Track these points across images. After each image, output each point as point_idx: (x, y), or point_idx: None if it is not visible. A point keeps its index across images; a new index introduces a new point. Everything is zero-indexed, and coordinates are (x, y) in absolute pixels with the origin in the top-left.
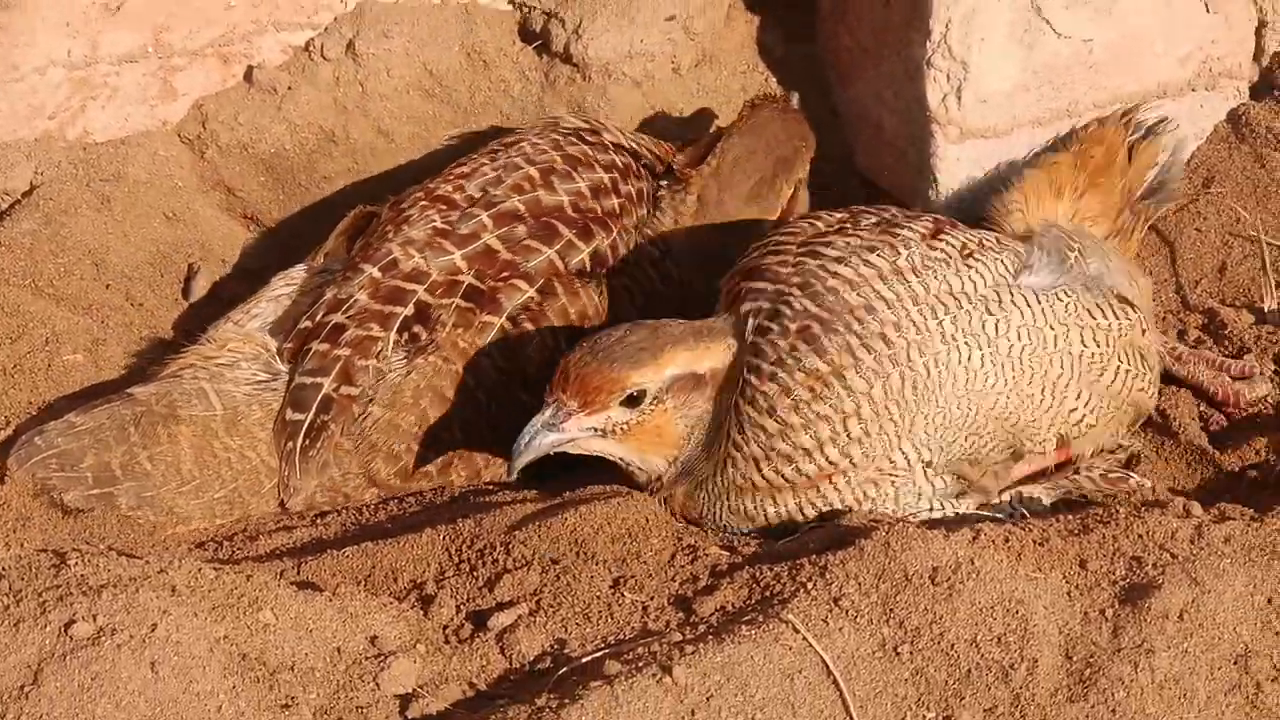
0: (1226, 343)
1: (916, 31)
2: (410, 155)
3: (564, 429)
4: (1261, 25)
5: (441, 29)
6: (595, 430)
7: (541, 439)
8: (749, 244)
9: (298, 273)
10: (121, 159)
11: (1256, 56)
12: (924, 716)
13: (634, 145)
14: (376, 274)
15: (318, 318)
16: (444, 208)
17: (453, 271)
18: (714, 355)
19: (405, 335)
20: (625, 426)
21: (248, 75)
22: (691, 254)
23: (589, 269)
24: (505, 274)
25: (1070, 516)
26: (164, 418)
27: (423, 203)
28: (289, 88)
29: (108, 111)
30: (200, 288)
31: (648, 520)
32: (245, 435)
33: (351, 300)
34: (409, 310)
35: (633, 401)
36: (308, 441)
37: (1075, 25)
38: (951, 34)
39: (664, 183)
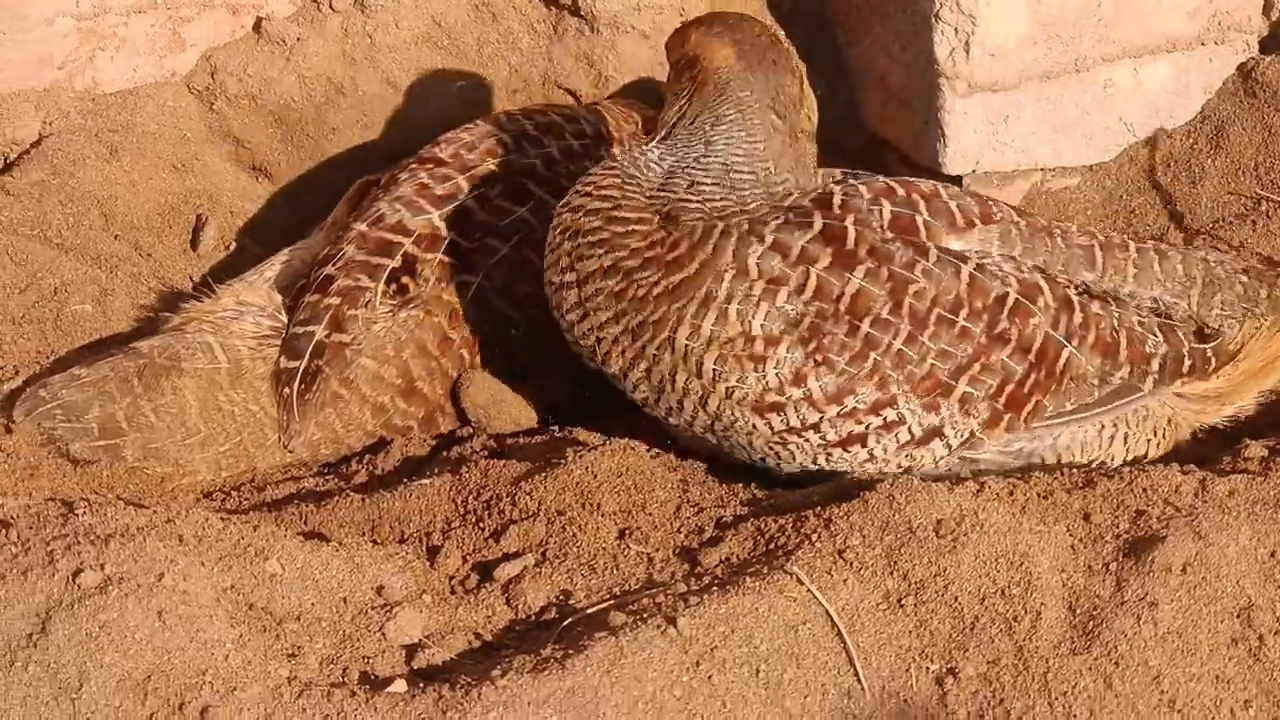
0: None
1: None
2: (418, 107)
3: None
4: None
5: None
6: None
7: None
8: None
9: (308, 240)
10: (130, 109)
11: (1266, 10)
12: (927, 668)
13: (605, 130)
14: (364, 228)
15: (313, 272)
16: (431, 166)
17: (432, 228)
18: None
19: (394, 287)
20: None
21: (257, 26)
22: None
23: None
24: (478, 233)
25: (1075, 470)
26: (166, 370)
27: (413, 165)
28: (298, 39)
29: (116, 62)
30: (208, 238)
31: (653, 472)
32: (249, 388)
33: (340, 253)
34: (396, 262)
35: None
36: (303, 386)
37: None
38: None
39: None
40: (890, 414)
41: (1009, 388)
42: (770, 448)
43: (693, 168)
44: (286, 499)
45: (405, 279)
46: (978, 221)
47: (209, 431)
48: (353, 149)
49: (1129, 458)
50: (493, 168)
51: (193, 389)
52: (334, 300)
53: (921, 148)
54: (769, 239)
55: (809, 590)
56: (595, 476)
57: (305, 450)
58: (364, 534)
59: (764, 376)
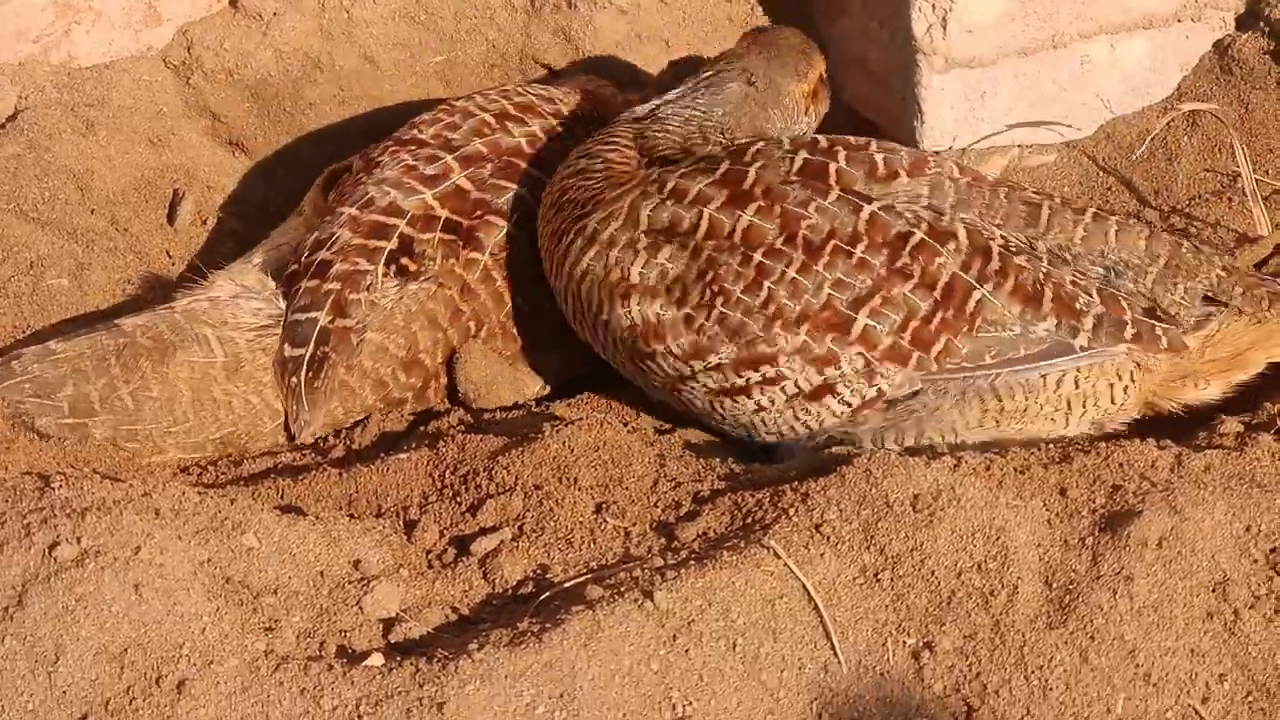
0: None
1: None
2: (395, 82)
3: None
4: None
5: None
6: None
7: None
8: None
9: (286, 225)
10: (106, 84)
11: None
12: (904, 642)
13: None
14: (355, 211)
15: (303, 258)
16: (414, 148)
17: (426, 209)
18: None
19: (393, 268)
20: None
21: (233, 1)
22: None
23: None
24: (478, 212)
25: (1051, 445)
26: (148, 351)
27: (392, 149)
28: (275, 14)
29: (92, 36)
30: (185, 213)
31: (630, 447)
32: (249, 380)
33: (334, 237)
34: (393, 244)
35: None
36: (311, 374)
37: None
38: None
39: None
40: (788, 355)
41: (913, 324)
42: (675, 394)
43: (668, 109)
44: (263, 473)
45: (404, 260)
46: (903, 173)
47: (197, 421)
48: (330, 124)
49: (1072, 425)
50: (480, 148)
51: (185, 379)
52: (334, 285)
53: (900, 125)
54: (670, 185)
55: (786, 564)
56: (572, 451)
57: (311, 439)
58: (341, 508)
59: (630, 313)
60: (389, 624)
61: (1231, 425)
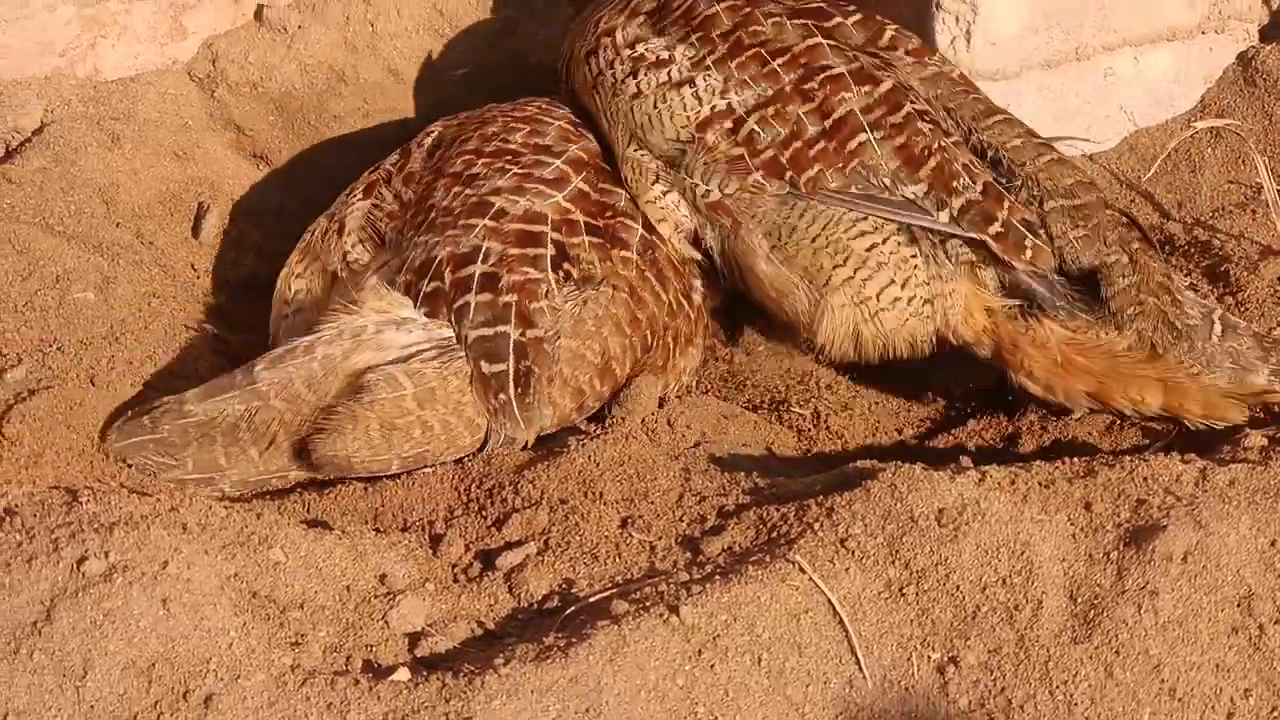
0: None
1: None
2: (420, 94)
3: None
4: None
5: None
6: None
7: None
8: None
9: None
10: (131, 97)
11: None
12: (929, 657)
13: None
14: (491, 223)
15: (448, 277)
16: (511, 156)
17: (563, 211)
18: None
19: (560, 273)
20: None
21: (258, 14)
22: None
23: None
24: (609, 213)
25: (1076, 460)
26: (280, 414)
27: (482, 160)
28: (299, 26)
29: (118, 49)
30: (210, 226)
31: (655, 461)
32: (446, 403)
33: (481, 249)
34: (551, 250)
35: None
36: (519, 390)
37: None
38: None
39: None
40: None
41: (796, 144)
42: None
43: None
44: (289, 488)
45: (566, 265)
46: (899, 49)
47: (385, 445)
48: (354, 136)
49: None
50: (579, 153)
51: (373, 419)
52: (510, 298)
53: None
54: None
55: (811, 579)
56: (598, 465)
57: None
58: (367, 522)
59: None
60: (415, 638)
61: (1256, 439)
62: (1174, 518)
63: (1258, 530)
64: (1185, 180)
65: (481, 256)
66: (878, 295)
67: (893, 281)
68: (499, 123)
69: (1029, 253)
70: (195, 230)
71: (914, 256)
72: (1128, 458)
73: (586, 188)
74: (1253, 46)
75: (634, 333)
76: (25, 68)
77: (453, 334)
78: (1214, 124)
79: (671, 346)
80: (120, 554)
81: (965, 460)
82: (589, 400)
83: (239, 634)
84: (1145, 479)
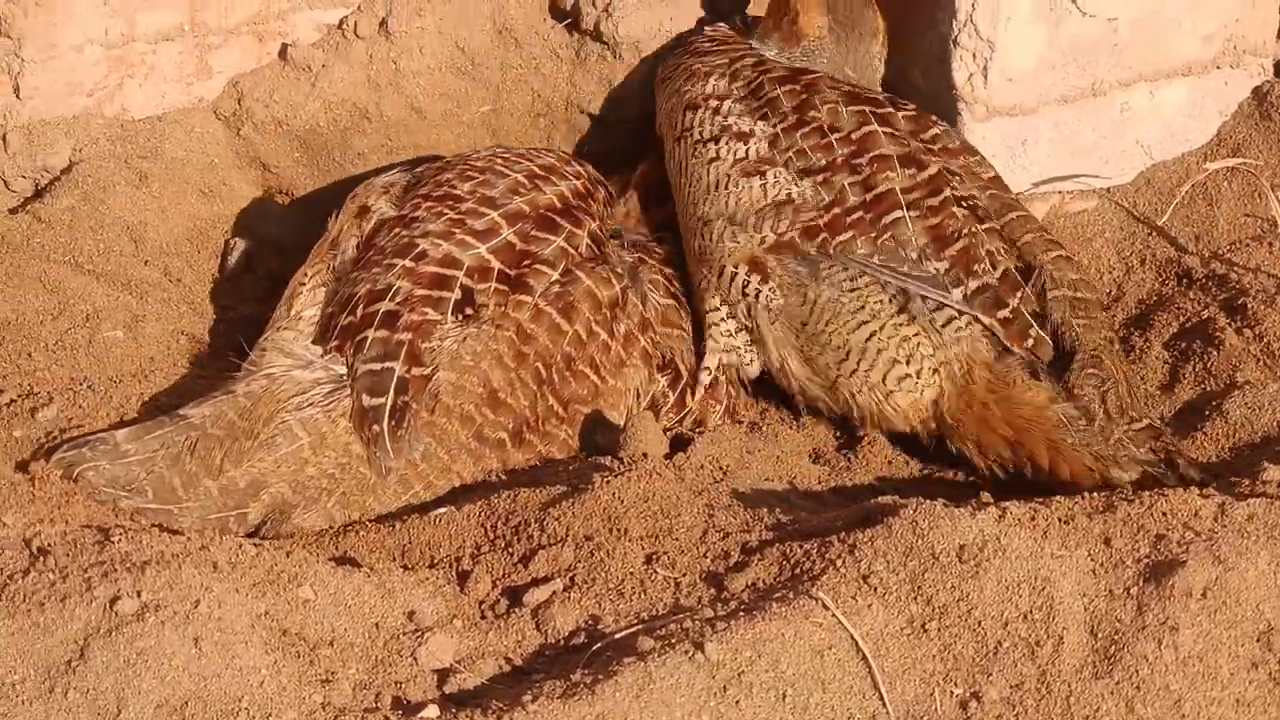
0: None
1: (943, 10)
2: (442, 132)
3: None
4: None
5: (473, 7)
6: None
7: None
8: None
9: (311, 268)
10: (158, 136)
11: None
12: (951, 692)
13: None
14: (409, 264)
15: (360, 311)
16: (452, 202)
17: (483, 261)
18: None
19: (460, 317)
20: None
21: (282, 53)
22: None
23: (594, 252)
24: (528, 262)
25: (1095, 495)
26: (220, 442)
27: (426, 204)
28: (323, 65)
29: (145, 89)
30: (236, 263)
31: (679, 498)
32: (336, 447)
33: (394, 288)
34: (456, 294)
35: None
36: (394, 422)
37: (1100, 4)
38: (978, 12)
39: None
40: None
41: (835, 210)
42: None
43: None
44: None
45: (468, 309)
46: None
47: (304, 499)
48: (378, 173)
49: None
50: (521, 205)
51: (274, 469)
52: (405, 335)
53: None
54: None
55: (834, 615)
56: (622, 502)
57: (420, 484)
58: (395, 559)
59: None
60: (444, 675)
61: (1274, 473)
62: (1193, 553)
63: (1277, 565)
64: (1202, 214)
65: (391, 294)
66: (884, 379)
67: (896, 361)
68: (455, 170)
69: (1031, 341)
70: (222, 267)
71: (916, 334)
72: (1146, 493)
73: (515, 239)
74: (1267, 81)
75: (519, 365)
76: (54, 108)
77: (345, 369)
78: (1226, 164)
79: (592, 374)
80: (152, 593)
81: (985, 495)
82: (486, 429)
83: (270, 672)
84: (1164, 514)
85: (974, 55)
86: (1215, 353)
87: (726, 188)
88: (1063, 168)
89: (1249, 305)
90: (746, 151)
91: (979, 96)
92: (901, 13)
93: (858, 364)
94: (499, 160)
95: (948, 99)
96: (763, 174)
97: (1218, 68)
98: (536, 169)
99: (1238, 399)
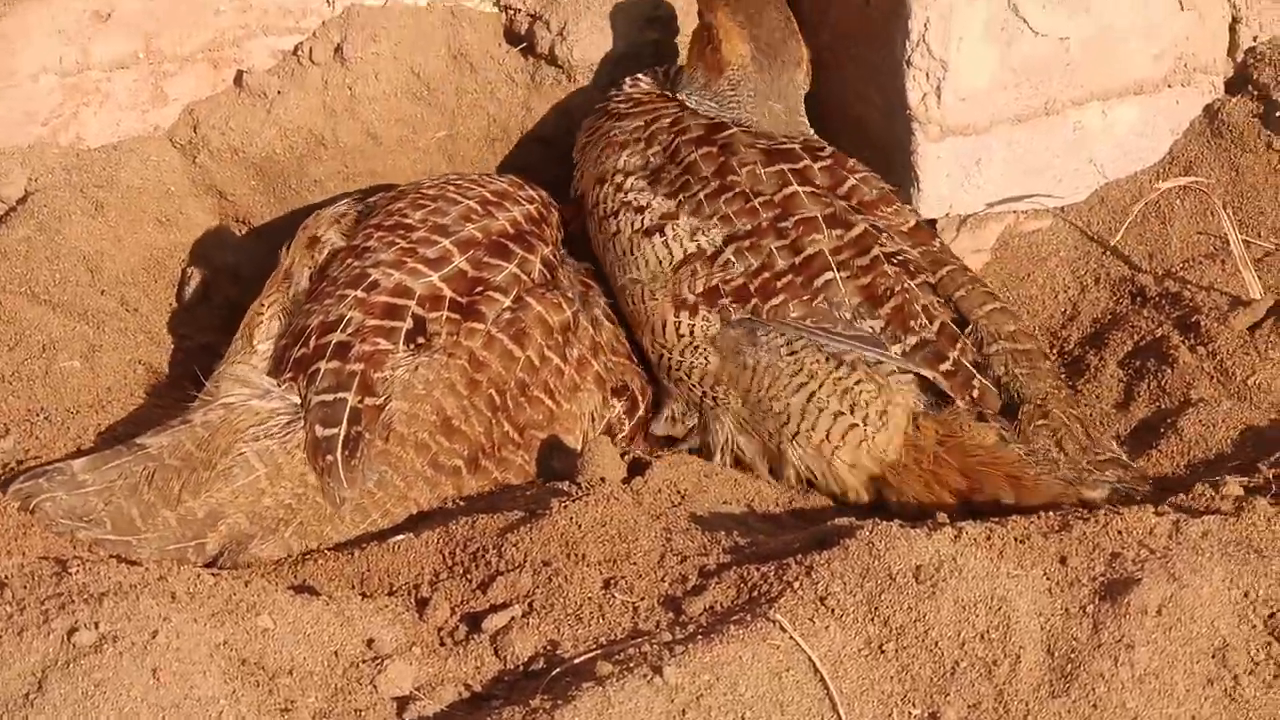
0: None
1: (896, 30)
2: (398, 157)
3: None
4: (1235, 21)
5: (428, 33)
6: None
7: None
8: None
9: (268, 296)
10: (114, 164)
11: (1231, 51)
12: (910, 713)
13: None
14: (361, 294)
15: (312, 343)
16: (404, 231)
17: (435, 290)
18: None
19: (411, 347)
20: None
21: (238, 80)
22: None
23: (547, 278)
24: (479, 289)
25: (1051, 514)
26: (178, 472)
27: (378, 234)
28: (278, 92)
29: (100, 117)
30: (194, 292)
31: (636, 522)
32: (292, 477)
33: (346, 319)
34: (408, 324)
35: None
36: (347, 452)
37: (1052, 23)
38: (930, 33)
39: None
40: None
41: (765, 275)
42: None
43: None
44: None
45: (420, 339)
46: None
47: (262, 529)
48: (335, 199)
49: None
50: (474, 232)
51: (230, 500)
52: (357, 366)
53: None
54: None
55: (792, 637)
56: (580, 527)
57: (377, 512)
58: (353, 587)
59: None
60: (403, 702)
61: (1232, 488)
62: (1148, 570)
63: (1231, 582)
64: (1155, 232)
65: (342, 325)
66: (827, 435)
67: (840, 414)
68: (407, 199)
69: (975, 391)
70: (179, 296)
71: (858, 383)
72: (1101, 511)
73: (467, 267)
74: (1218, 99)
75: (473, 393)
76: (10, 137)
77: (299, 400)
78: (1178, 183)
79: (547, 399)
80: (110, 624)
81: (941, 516)
82: (441, 456)
83: (229, 702)
84: (1119, 532)
85: (927, 75)
86: (1169, 370)
87: (632, 253)
88: (1016, 187)
89: (1202, 323)
90: (643, 219)
91: (933, 116)
92: (855, 33)
93: (798, 426)
94: (451, 187)
95: (902, 119)
96: (662, 230)
97: (1169, 86)
98: (489, 195)
99: (1192, 416)
